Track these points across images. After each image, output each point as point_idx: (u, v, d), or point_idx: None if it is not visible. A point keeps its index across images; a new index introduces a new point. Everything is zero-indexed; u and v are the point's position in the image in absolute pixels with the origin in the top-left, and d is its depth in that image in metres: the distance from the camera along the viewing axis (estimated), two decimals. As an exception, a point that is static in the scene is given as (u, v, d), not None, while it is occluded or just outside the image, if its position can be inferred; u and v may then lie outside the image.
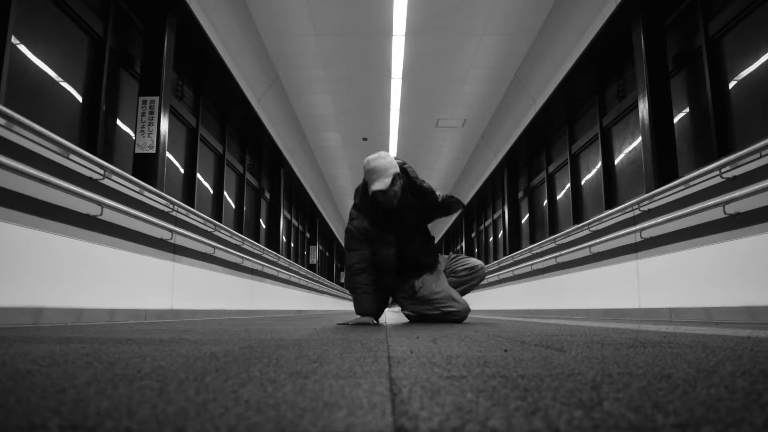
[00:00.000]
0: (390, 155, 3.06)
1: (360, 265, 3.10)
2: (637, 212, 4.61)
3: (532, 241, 9.22)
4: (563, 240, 6.41)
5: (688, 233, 3.88)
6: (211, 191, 7.26)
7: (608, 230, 5.16)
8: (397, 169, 3.00)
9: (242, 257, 6.58)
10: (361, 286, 3.08)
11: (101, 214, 3.46)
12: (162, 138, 4.92)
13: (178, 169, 6.13)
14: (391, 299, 3.46)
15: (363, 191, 3.13)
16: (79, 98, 4.24)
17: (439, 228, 19.72)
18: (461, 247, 16.20)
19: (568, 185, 7.73)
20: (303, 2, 6.34)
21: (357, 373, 0.80)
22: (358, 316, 3.12)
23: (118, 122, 4.82)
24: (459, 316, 3.24)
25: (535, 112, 7.89)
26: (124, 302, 3.82)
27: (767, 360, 0.96)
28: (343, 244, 3.23)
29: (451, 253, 3.62)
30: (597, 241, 5.23)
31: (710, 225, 3.63)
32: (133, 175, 4.32)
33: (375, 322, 3.12)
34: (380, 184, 2.91)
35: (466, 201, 14.03)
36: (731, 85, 4.26)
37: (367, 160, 3.02)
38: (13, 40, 3.43)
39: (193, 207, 5.95)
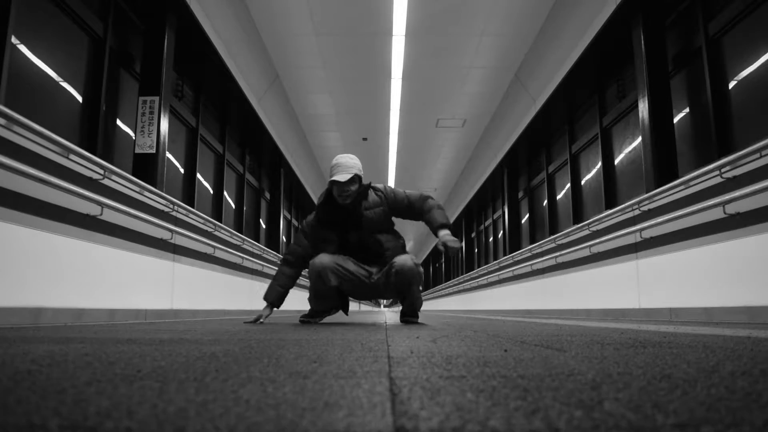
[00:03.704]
0: (357, 160, 3.25)
1: (288, 257, 3.42)
2: (637, 212, 4.61)
3: (532, 241, 9.21)
4: (563, 240, 6.41)
5: (688, 233, 3.88)
6: (211, 191, 7.26)
7: (608, 230, 5.16)
8: (360, 173, 3.20)
9: (242, 257, 6.58)
10: (279, 277, 3.38)
11: (101, 214, 3.46)
12: (162, 138, 4.92)
13: (178, 169, 6.13)
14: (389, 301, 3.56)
15: (322, 194, 3.35)
16: (79, 98, 4.24)
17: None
18: (461, 247, 16.20)
19: (568, 185, 7.73)
20: (303, 2, 6.34)
21: (357, 373, 0.80)
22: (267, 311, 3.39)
23: (118, 122, 4.82)
24: (399, 268, 3.10)
25: (535, 112, 7.89)
26: (124, 302, 3.82)
27: (767, 360, 0.96)
28: None
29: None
30: (597, 241, 5.23)
31: (710, 225, 3.63)
32: (133, 175, 4.32)
33: (268, 314, 3.41)
34: (339, 177, 3.11)
35: (466, 201, 14.04)
36: (731, 85, 4.26)
37: (337, 156, 3.26)
38: (13, 40, 3.43)
39: (193, 207, 5.94)
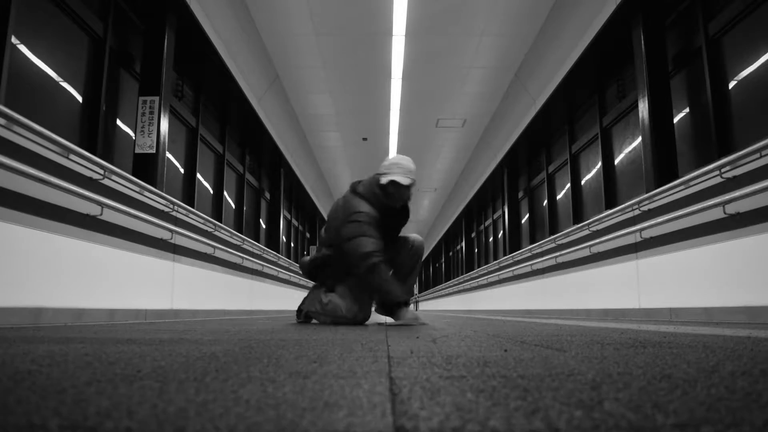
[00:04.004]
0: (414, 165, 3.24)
1: (383, 257, 2.94)
2: (637, 212, 4.61)
3: (532, 241, 9.21)
4: (563, 240, 6.41)
5: (688, 233, 3.88)
6: (211, 191, 7.25)
7: (608, 230, 5.16)
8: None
9: (242, 257, 6.58)
10: (386, 275, 2.96)
11: (101, 214, 3.46)
12: (162, 138, 4.92)
13: (178, 169, 6.13)
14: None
15: (373, 185, 3.10)
16: (79, 98, 4.24)
17: (438, 229, 19.72)
18: (461, 248, 16.21)
19: (568, 185, 7.73)
20: (303, 2, 6.34)
21: (357, 373, 0.80)
22: (406, 311, 2.97)
23: (118, 122, 4.82)
24: (415, 240, 3.32)
25: (535, 112, 7.88)
26: (124, 302, 3.82)
27: (767, 360, 0.96)
28: (354, 232, 2.95)
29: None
30: (597, 241, 5.23)
31: (710, 225, 3.63)
32: (133, 175, 4.32)
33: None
34: (402, 179, 2.99)
35: (466, 201, 14.05)
36: (731, 85, 4.26)
37: (396, 155, 3.16)
38: (13, 40, 3.43)
39: (193, 207, 5.94)
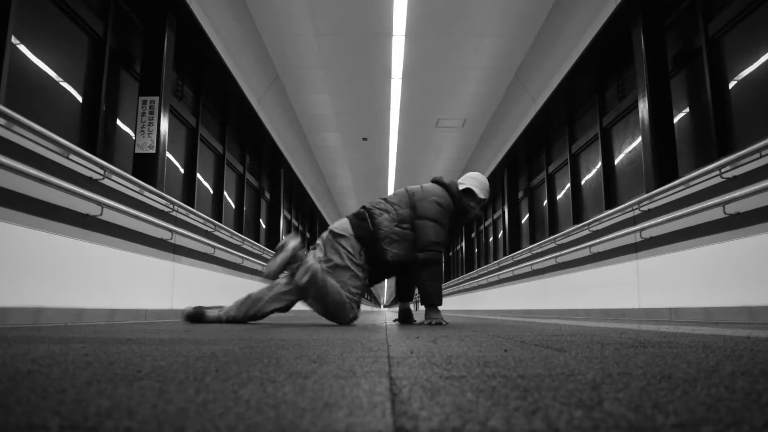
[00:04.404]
0: None
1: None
2: (637, 212, 4.61)
3: (532, 241, 9.21)
4: (563, 240, 6.41)
5: (688, 233, 3.88)
6: (211, 191, 7.25)
7: (608, 230, 5.16)
8: None
9: (242, 257, 6.58)
10: (441, 271, 3.18)
11: (101, 214, 3.46)
12: (162, 138, 4.92)
13: (178, 169, 6.13)
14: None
15: (454, 187, 3.21)
16: (79, 98, 4.24)
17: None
18: (461, 248, 16.21)
19: (568, 185, 7.73)
20: (303, 2, 6.34)
21: (357, 373, 0.80)
22: (439, 314, 3.21)
23: (118, 122, 4.82)
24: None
25: (535, 112, 7.88)
26: (124, 302, 3.82)
27: (767, 360, 0.96)
28: (432, 212, 3.02)
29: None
30: (597, 241, 5.23)
31: (710, 225, 3.63)
32: (133, 175, 4.32)
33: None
34: (480, 192, 3.18)
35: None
36: (731, 85, 4.26)
37: (477, 173, 3.31)
38: (13, 40, 3.43)
39: (193, 207, 5.94)
